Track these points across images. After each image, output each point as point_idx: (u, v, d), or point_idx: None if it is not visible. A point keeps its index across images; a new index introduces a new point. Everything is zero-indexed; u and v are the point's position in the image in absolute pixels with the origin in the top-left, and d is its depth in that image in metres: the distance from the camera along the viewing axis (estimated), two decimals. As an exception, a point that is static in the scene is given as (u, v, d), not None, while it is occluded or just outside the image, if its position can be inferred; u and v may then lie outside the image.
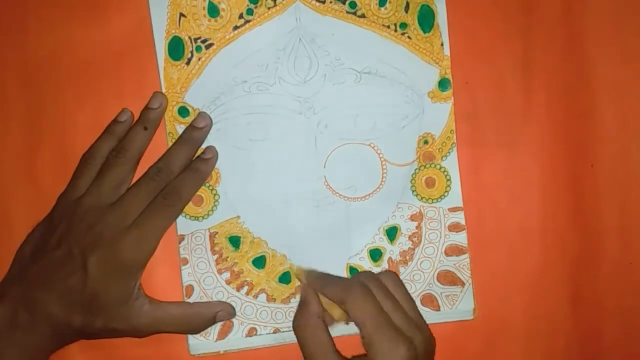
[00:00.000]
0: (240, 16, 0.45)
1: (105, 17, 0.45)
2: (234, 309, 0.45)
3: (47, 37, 0.45)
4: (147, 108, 0.44)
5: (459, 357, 0.45)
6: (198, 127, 0.44)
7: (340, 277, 0.44)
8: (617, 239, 0.46)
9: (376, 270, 0.46)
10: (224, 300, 0.45)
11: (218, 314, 0.44)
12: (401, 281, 0.42)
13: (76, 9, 0.45)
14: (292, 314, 0.45)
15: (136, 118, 0.44)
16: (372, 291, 0.40)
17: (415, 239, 0.46)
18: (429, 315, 0.45)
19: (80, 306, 0.40)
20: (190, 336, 0.45)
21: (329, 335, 0.40)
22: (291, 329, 0.45)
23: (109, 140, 0.43)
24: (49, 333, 0.40)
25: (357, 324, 0.39)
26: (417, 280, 0.46)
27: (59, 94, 0.45)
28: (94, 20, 0.45)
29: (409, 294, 0.42)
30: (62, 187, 0.44)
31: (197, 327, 0.44)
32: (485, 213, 0.46)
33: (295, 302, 0.45)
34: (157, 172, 0.42)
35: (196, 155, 0.45)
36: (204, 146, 0.45)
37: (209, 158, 0.44)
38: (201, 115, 0.44)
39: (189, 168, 0.43)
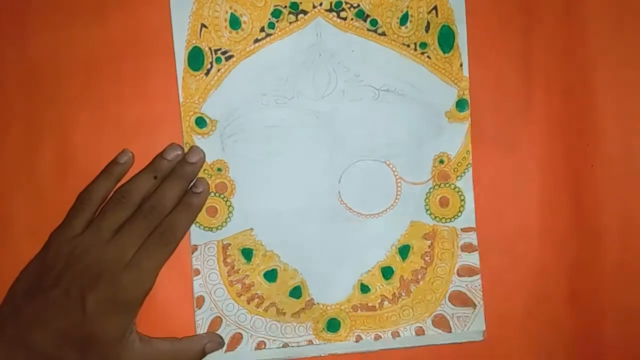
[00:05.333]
0: (262, 29, 0.45)
1: (105, 17, 0.45)
2: (222, 339, 0.45)
3: (47, 37, 0.45)
4: (162, 157, 0.44)
5: (457, 354, 0.45)
6: (190, 162, 0.44)
7: None
8: (617, 238, 0.46)
9: (388, 288, 0.46)
10: (233, 312, 0.45)
11: (207, 346, 0.44)
12: None
13: (77, 9, 0.45)
14: (302, 329, 0.45)
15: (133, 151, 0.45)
16: None
17: (428, 258, 0.46)
18: (440, 338, 0.45)
19: (77, 345, 0.39)
20: (199, 348, 0.45)
21: None
22: (300, 344, 0.45)
23: (108, 181, 0.43)
24: None
25: None
26: (429, 300, 0.46)
27: (60, 94, 0.45)
28: (94, 20, 0.45)
29: None
30: (62, 188, 0.44)
31: None
32: (485, 213, 0.46)
33: (305, 317, 0.45)
34: (151, 209, 0.42)
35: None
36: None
37: (201, 192, 0.44)
38: (193, 149, 0.44)
39: (182, 203, 0.43)
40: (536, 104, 0.46)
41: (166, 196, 0.43)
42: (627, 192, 0.46)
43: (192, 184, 0.44)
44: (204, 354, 0.44)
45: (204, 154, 0.45)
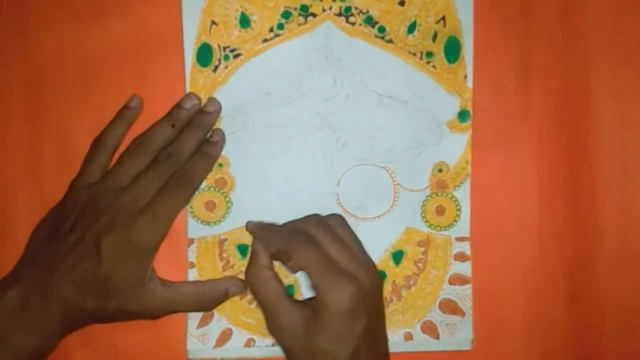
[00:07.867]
0: (271, 29, 0.46)
1: (107, 17, 0.46)
2: (244, 284, 0.45)
3: (49, 37, 0.45)
4: (179, 107, 0.44)
5: (456, 352, 0.46)
6: (208, 112, 0.45)
7: (286, 227, 0.44)
8: (615, 238, 0.46)
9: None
10: (225, 307, 0.45)
11: (230, 289, 0.44)
12: (345, 221, 0.44)
13: (79, 9, 0.46)
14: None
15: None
16: (317, 236, 0.41)
17: (421, 264, 0.46)
18: (428, 344, 0.46)
19: (94, 290, 0.40)
20: (189, 340, 0.45)
21: (280, 282, 0.42)
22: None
23: (120, 125, 0.44)
24: (60, 317, 0.40)
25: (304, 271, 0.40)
26: (419, 306, 0.46)
27: (62, 94, 0.46)
28: (96, 20, 0.46)
29: (353, 233, 0.43)
30: (64, 188, 0.44)
31: (210, 304, 0.44)
32: (483, 213, 0.46)
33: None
34: (168, 156, 0.43)
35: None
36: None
37: (217, 141, 0.45)
38: (211, 100, 0.45)
39: (198, 152, 0.44)
40: (534, 104, 0.47)
41: (184, 144, 0.43)
42: (624, 193, 0.47)
43: (209, 134, 0.45)
44: (227, 297, 0.44)
45: (220, 105, 0.45)
